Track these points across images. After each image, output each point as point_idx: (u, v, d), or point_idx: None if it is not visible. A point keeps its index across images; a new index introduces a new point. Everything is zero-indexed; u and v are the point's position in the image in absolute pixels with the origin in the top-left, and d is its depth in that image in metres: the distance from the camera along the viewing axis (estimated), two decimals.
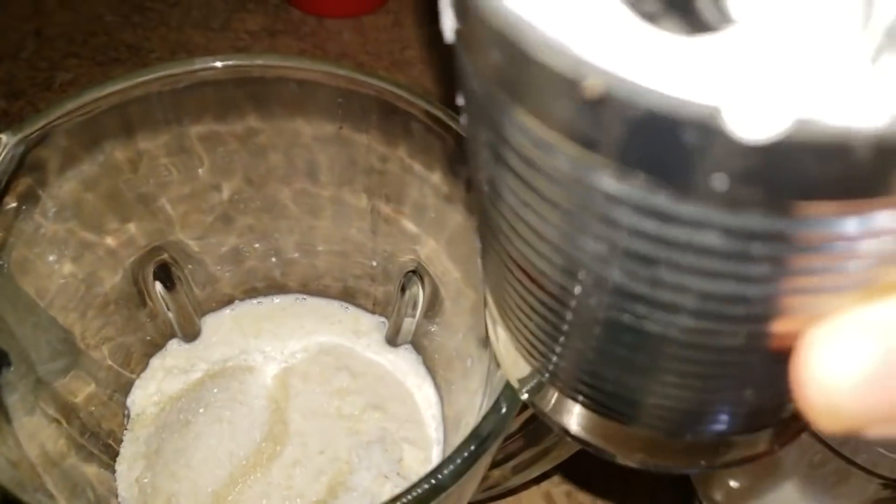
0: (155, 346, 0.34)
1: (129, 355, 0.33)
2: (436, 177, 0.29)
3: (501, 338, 0.17)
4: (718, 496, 0.32)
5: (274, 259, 0.36)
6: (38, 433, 0.26)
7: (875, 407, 0.10)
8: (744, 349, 0.12)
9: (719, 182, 0.08)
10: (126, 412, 0.33)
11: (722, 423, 0.15)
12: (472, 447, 0.20)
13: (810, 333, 0.10)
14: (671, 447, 0.16)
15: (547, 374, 0.16)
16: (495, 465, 0.29)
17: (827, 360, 0.10)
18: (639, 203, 0.09)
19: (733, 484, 0.31)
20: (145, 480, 0.31)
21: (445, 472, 0.20)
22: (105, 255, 0.30)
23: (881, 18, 0.08)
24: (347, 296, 0.37)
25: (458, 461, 0.20)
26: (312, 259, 0.36)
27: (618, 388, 0.15)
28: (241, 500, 0.30)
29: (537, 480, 0.34)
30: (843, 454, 0.26)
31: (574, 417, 0.17)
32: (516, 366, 0.17)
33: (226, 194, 0.33)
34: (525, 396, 0.18)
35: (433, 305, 0.33)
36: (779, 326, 0.11)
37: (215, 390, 0.33)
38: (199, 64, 0.28)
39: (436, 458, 0.32)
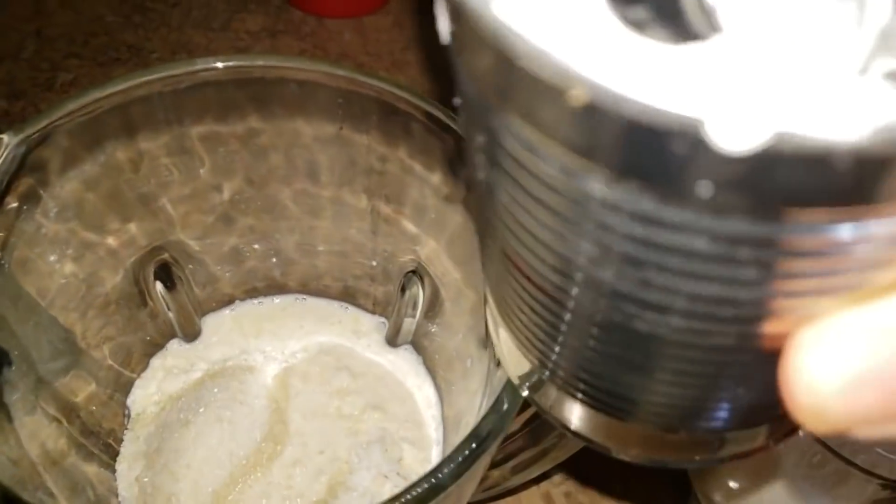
0: (155, 346, 0.35)
1: (130, 355, 0.33)
2: (436, 177, 0.30)
3: (502, 335, 0.18)
4: (717, 497, 0.32)
5: (274, 259, 0.36)
6: (38, 432, 0.26)
7: (862, 409, 0.10)
8: (733, 349, 0.12)
9: (704, 189, 0.09)
10: (126, 412, 0.33)
11: (716, 419, 0.15)
12: (472, 447, 0.21)
13: (798, 335, 0.11)
14: (667, 442, 0.16)
15: (546, 372, 0.16)
16: (495, 465, 0.29)
17: (814, 363, 0.10)
18: (626, 207, 0.10)
19: (732, 485, 0.31)
20: (145, 480, 0.31)
21: (445, 471, 0.20)
22: (106, 255, 0.31)
23: (875, 21, 0.08)
24: (347, 296, 0.37)
25: (458, 461, 0.20)
26: (313, 259, 0.36)
27: (614, 386, 0.15)
28: (242, 499, 0.30)
29: (537, 481, 0.34)
30: (842, 455, 0.26)
31: (573, 414, 0.17)
32: (517, 363, 0.17)
33: (226, 194, 0.33)
34: (526, 393, 0.19)
35: (433, 306, 0.33)
36: (768, 328, 0.11)
37: (215, 390, 0.33)
38: (200, 64, 0.28)
39: (435, 458, 0.32)
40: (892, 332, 0.10)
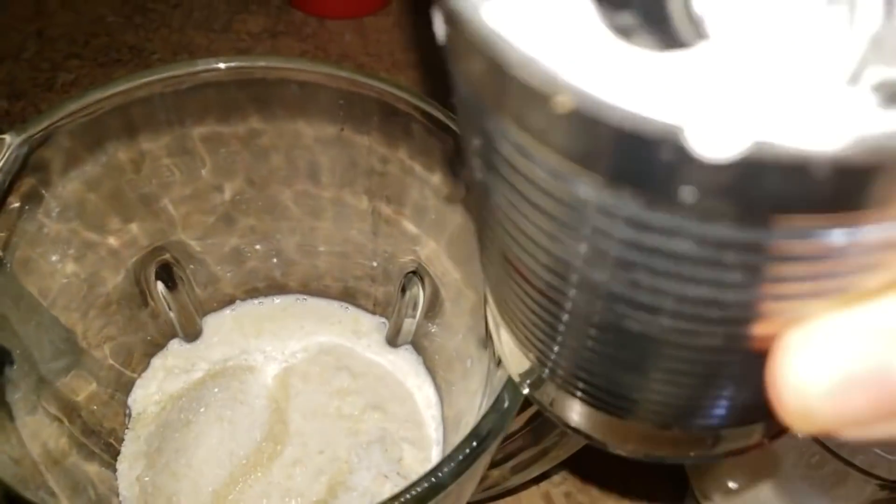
0: (156, 346, 0.35)
1: (131, 355, 0.33)
2: (436, 178, 0.30)
3: (502, 334, 0.18)
4: (716, 497, 0.32)
5: (275, 259, 0.36)
6: (40, 431, 0.26)
7: (849, 411, 0.10)
8: (723, 350, 0.12)
9: (688, 195, 0.09)
10: (127, 411, 0.33)
11: (710, 417, 0.15)
12: (472, 446, 0.21)
13: (786, 337, 0.11)
14: (664, 439, 0.16)
15: (546, 370, 0.16)
16: (494, 465, 0.29)
17: (801, 364, 0.10)
18: (615, 211, 0.10)
19: (731, 485, 0.31)
20: (146, 479, 0.31)
21: (445, 470, 0.20)
22: (107, 255, 0.31)
23: (866, 27, 0.08)
24: (348, 296, 0.37)
25: (458, 459, 0.20)
26: (313, 260, 0.36)
27: (610, 384, 0.15)
28: (242, 499, 0.30)
29: (536, 481, 0.34)
30: (840, 455, 0.26)
31: (572, 411, 0.17)
32: (517, 361, 0.18)
33: (227, 195, 0.33)
34: (526, 391, 0.19)
35: (433, 306, 0.33)
36: (756, 329, 0.11)
37: (216, 390, 0.33)
38: (201, 65, 0.28)
39: (435, 458, 0.32)
40: (879, 334, 0.10)
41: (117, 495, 0.30)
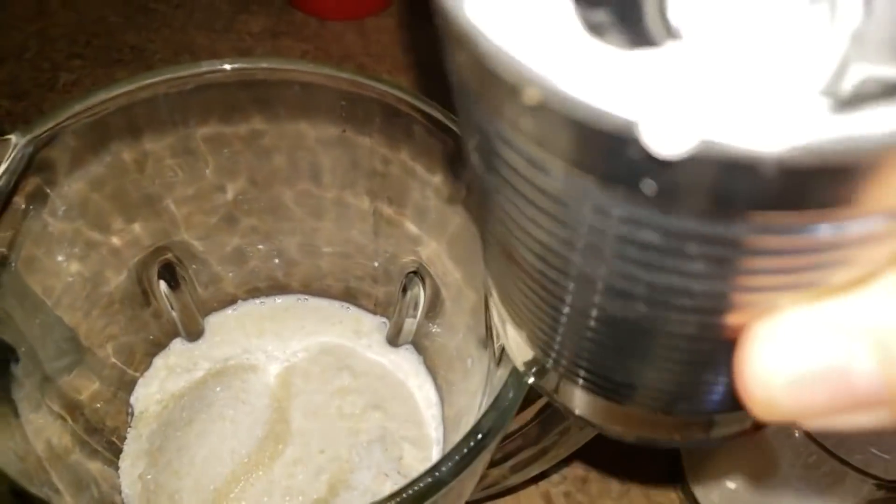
0: (158, 345, 0.35)
1: (133, 354, 0.34)
2: (437, 179, 0.30)
3: (508, 328, 0.18)
4: (715, 497, 0.32)
5: (277, 260, 0.36)
6: (44, 428, 0.27)
7: (810, 403, 0.11)
8: (698, 338, 0.12)
9: (647, 188, 0.09)
10: (130, 410, 0.33)
11: (702, 402, 0.15)
12: (472, 443, 0.21)
13: (753, 328, 0.11)
14: (660, 423, 0.17)
15: (549, 360, 0.17)
16: (494, 464, 0.29)
17: (767, 356, 0.11)
18: (582, 198, 0.10)
19: (730, 485, 0.31)
20: (148, 477, 0.31)
21: (445, 467, 0.20)
22: (110, 255, 0.31)
23: (846, 24, 0.09)
24: (349, 296, 0.37)
25: (458, 457, 0.20)
26: (315, 260, 0.36)
27: (608, 371, 0.15)
28: (243, 497, 0.31)
29: (536, 480, 0.34)
30: (837, 455, 0.26)
31: (575, 397, 0.17)
32: (521, 350, 0.18)
33: (230, 195, 0.33)
34: (531, 380, 0.19)
35: (434, 306, 0.33)
36: (725, 319, 0.12)
37: (218, 389, 0.33)
38: (205, 67, 0.28)
39: (436, 457, 0.33)
40: (842, 330, 0.10)
41: (120, 493, 0.30)
